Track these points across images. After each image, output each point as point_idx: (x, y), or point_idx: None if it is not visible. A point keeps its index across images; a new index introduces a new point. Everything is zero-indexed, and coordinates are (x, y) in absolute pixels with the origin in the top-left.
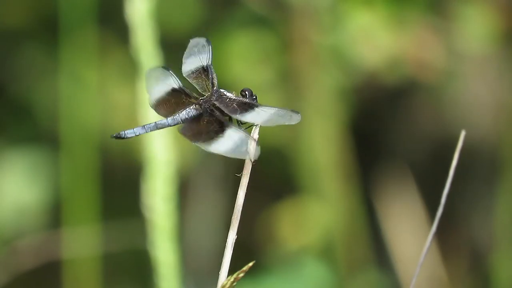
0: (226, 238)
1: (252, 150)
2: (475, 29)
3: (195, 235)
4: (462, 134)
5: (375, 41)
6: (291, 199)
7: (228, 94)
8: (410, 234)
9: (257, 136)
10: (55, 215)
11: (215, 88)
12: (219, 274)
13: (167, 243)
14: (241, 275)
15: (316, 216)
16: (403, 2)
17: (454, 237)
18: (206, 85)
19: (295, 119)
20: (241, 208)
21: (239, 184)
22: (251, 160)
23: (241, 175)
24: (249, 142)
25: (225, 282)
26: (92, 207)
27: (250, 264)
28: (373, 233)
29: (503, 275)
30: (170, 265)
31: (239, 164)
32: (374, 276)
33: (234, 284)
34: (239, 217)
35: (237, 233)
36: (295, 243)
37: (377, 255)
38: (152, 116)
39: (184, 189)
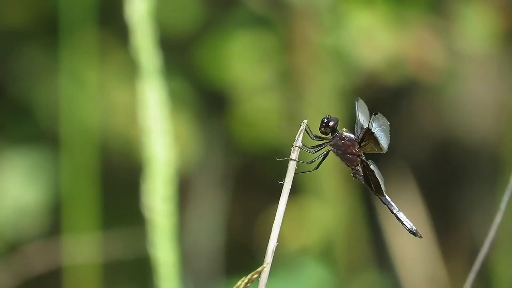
0: (226, 238)
1: (295, 157)
2: (475, 29)
3: (195, 235)
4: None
5: (375, 41)
6: (291, 199)
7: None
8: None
9: (300, 144)
10: (55, 215)
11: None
12: (223, 275)
13: (167, 243)
14: (255, 276)
15: (316, 217)
16: (403, 2)
17: (454, 237)
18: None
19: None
20: (282, 216)
21: (240, 184)
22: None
23: (283, 182)
24: (292, 150)
25: (239, 283)
26: (92, 207)
27: (264, 265)
28: (373, 233)
29: (503, 275)
30: (170, 265)
31: (239, 165)
32: (374, 277)
33: (248, 285)
34: (280, 224)
35: (237, 233)
36: (295, 244)
37: (377, 255)
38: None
39: (184, 189)
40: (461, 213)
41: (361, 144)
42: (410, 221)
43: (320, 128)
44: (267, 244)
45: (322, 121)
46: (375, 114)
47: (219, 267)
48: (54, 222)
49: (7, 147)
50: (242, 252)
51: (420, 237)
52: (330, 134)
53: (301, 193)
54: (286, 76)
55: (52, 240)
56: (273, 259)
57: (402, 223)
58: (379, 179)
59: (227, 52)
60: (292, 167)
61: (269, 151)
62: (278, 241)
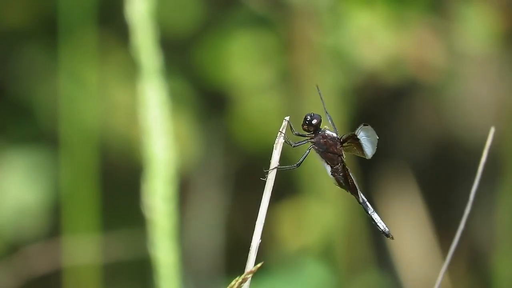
0: (226, 238)
1: (276, 156)
2: (475, 29)
3: (195, 235)
4: (492, 131)
5: (375, 41)
6: (291, 199)
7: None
8: (411, 234)
9: (283, 140)
10: (55, 215)
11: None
12: (224, 275)
13: (167, 243)
14: (249, 276)
15: (316, 216)
16: (403, 2)
17: (454, 237)
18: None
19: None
20: (265, 213)
21: (240, 184)
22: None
23: (266, 179)
24: (274, 147)
25: (233, 283)
26: (92, 207)
27: (259, 265)
28: (373, 233)
29: (503, 275)
30: (170, 265)
31: (239, 164)
32: (375, 277)
33: (242, 285)
34: (263, 222)
35: (238, 233)
36: (295, 244)
37: (377, 255)
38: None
39: (184, 189)
40: (461, 213)
41: (343, 145)
42: (410, 221)
43: (302, 126)
44: (267, 244)
45: (305, 118)
46: (364, 125)
47: (219, 267)
48: (54, 222)
49: (7, 147)
50: (242, 252)
51: (392, 238)
52: (312, 132)
53: (301, 193)
54: (286, 76)
55: (52, 241)
56: (272, 258)
57: (376, 224)
58: (355, 182)
59: (227, 52)
60: (274, 165)
61: (269, 151)
62: (261, 238)
